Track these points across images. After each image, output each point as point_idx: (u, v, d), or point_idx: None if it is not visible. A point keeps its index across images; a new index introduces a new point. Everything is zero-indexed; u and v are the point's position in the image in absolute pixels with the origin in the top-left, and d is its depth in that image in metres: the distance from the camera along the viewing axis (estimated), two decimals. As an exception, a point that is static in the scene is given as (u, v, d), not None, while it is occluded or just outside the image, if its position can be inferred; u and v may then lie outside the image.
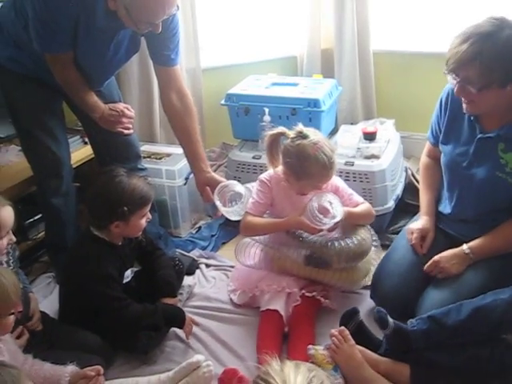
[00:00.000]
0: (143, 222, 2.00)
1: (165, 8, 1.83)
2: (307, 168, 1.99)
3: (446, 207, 2.06)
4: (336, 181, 2.17)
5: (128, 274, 2.06)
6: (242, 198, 2.17)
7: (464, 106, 1.83)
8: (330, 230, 2.05)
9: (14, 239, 1.79)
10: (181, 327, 1.98)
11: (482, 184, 1.89)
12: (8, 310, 1.53)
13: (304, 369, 1.10)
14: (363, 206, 2.15)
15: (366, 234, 2.11)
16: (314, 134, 2.02)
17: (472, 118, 1.89)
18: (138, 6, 1.80)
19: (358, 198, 2.18)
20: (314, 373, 1.09)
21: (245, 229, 2.15)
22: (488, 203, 1.91)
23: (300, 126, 2.05)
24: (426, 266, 1.95)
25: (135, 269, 2.12)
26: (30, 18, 1.88)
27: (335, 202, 2.01)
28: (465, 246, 1.93)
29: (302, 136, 2.01)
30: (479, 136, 1.87)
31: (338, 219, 1.97)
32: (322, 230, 2.02)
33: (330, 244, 2.02)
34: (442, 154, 2.04)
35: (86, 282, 1.89)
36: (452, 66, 1.73)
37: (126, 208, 1.92)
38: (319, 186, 2.06)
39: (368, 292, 2.14)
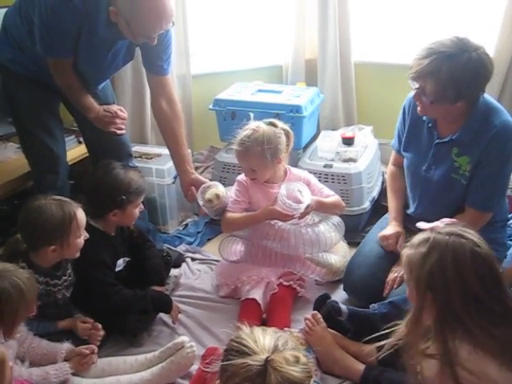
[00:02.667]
0: (137, 211, 2.19)
1: (162, 24, 2.01)
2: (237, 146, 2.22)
3: (410, 207, 2.25)
4: (308, 176, 2.37)
5: (120, 263, 2.21)
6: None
7: (418, 108, 2.02)
8: (301, 216, 2.21)
9: (88, 235, 1.95)
10: (168, 312, 2.14)
11: (439, 185, 2.08)
12: (24, 316, 1.65)
13: (270, 331, 1.28)
14: (332, 198, 2.34)
15: (326, 228, 2.28)
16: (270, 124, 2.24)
17: (430, 124, 2.08)
18: (138, 21, 1.97)
19: (328, 191, 2.36)
20: (280, 333, 1.27)
21: (225, 225, 2.32)
22: (445, 203, 2.09)
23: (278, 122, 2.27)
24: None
25: (127, 259, 2.27)
26: (36, 23, 2.03)
27: (304, 189, 2.19)
28: None
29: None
30: (436, 141, 2.06)
31: (305, 204, 2.14)
32: (293, 217, 2.18)
33: (297, 231, 2.21)
34: (405, 159, 2.23)
35: (82, 268, 2.04)
36: (413, 75, 1.93)
37: (124, 197, 2.10)
38: (255, 168, 2.23)
39: (341, 285, 2.32)
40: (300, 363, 1.20)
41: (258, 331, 1.27)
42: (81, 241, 1.93)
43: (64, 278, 1.98)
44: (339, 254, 2.43)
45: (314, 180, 2.38)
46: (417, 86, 1.94)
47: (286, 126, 2.30)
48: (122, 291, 2.07)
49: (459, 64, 1.83)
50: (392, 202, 2.31)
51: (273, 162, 2.23)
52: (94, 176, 2.20)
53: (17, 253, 1.87)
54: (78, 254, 1.95)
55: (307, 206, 2.16)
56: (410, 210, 2.24)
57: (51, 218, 1.85)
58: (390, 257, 2.17)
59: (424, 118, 2.09)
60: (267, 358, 1.18)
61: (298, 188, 2.19)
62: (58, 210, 1.86)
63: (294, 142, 2.37)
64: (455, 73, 1.84)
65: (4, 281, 1.57)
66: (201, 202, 2.32)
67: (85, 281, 2.04)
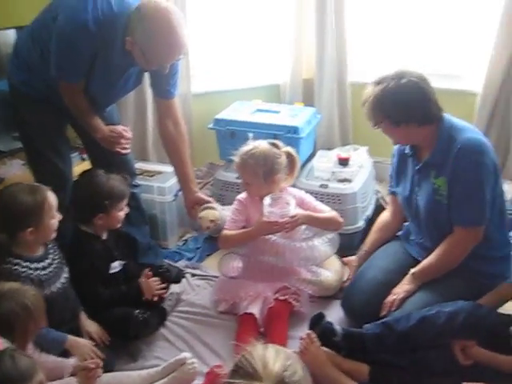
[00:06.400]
0: (122, 214, 2.33)
1: (175, 55, 2.14)
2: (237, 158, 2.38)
3: (413, 237, 2.37)
4: (303, 195, 2.48)
5: (116, 266, 2.33)
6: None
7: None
8: (291, 228, 2.31)
9: (61, 217, 2.07)
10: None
11: (427, 209, 2.19)
12: (35, 331, 1.73)
13: (283, 356, 1.29)
14: (327, 213, 2.43)
15: (320, 242, 2.38)
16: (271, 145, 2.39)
17: (411, 153, 2.22)
18: (153, 52, 2.09)
19: (323, 206, 2.47)
20: (291, 361, 1.28)
21: (221, 241, 2.44)
22: (437, 226, 2.19)
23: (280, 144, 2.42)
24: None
25: (123, 262, 2.38)
26: (52, 48, 2.12)
27: (291, 202, 2.31)
28: (411, 270, 2.23)
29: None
30: (417, 167, 2.20)
31: (290, 208, 2.27)
32: (283, 226, 2.27)
33: (292, 245, 2.32)
34: (399, 196, 2.36)
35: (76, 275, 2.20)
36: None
37: (106, 202, 2.24)
38: (249, 182, 2.38)
39: (336, 301, 2.43)
40: None
41: (271, 353, 1.28)
42: (55, 222, 2.04)
43: (52, 266, 2.08)
44: (332, 270, 2.53)
45: (308, 198, 2.49)
46: None
47: (292, 151, 2.43)
48: (102, 295, 2.24)
49: (385, 89, 2.06)
50: (370, 238, 2.51)
51: (266, 181, 2.34)
52: (78, 183, 2.36)
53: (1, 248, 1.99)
54: (53, 236, 2.07)
55: (294, 216, 2.27)
56: (414, 240, 2.36)
57: (24, 202, 1.96)
58: (394, 284, 2.24)
59: (406, 151, 2.24)
60: None
61: (280, 196, 2.33)
62: (29, 194, 1.98)
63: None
64: (379, 97, 2.07)
65: (11, 302, 1.65)
66: (198, 222, 2.45)
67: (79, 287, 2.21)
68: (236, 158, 2.39)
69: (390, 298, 2.18)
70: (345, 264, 2.59)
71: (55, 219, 2.05)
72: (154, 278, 2.35)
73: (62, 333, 2.03)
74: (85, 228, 2.29)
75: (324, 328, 2.03)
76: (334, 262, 2.61)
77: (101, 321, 2.20)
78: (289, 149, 2.44)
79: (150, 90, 2.70)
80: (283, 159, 2.38)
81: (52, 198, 2.04)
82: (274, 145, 2.38)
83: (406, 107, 2.06)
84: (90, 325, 2.18)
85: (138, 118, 3.29)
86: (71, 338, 2.04)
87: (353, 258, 2.54)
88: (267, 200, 2.29)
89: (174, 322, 2.40)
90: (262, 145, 2.37)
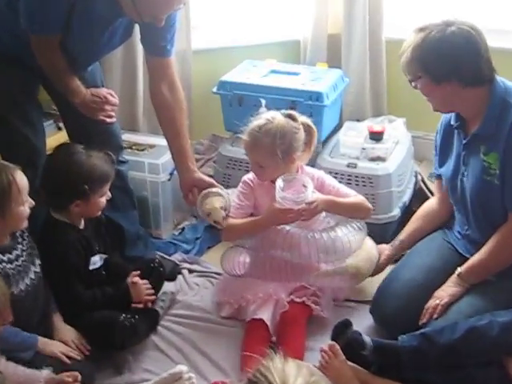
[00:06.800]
0: (103, 200, 2.29)
1: (174, 4, 2.09)
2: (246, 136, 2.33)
3: (459, 228, 2.35)
4: (323, 176, 2.46)
5: (96, 261, 2.32)
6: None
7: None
8: (308, 217, 2.29)
9: (33, 203, 2.02)
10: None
11: (474, 193, 2.15)
12: None
13: (306, 372, 1.28)
14: (353, 198, 2.41)
15: (344, 232, 2.34)
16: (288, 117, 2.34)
17: (457, 124, 2.19)
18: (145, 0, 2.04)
19: (347, 190, 2.45)
20: (315, 378, 1.27)
21: (225, 232, 2.42)
22: (486, 216, 2.16)
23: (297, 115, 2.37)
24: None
25: (104, 256, 2.37)
26: None
27: (309, 184, 2.27)
28: (458, 269, 2.19)
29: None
30: (464, 142, 2.17)
31: (307, 194, 2.24)
32: (299, 215, 2.25)
33: (309, 236, 2.29)
34: (443, 179, 2.33)
35: (49, 270, 2.18)
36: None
37: (86, 186, 2.19)
38: (263, 165, 2.33)
39: (364, 306, 2.42)
40: None
41: (292, 368, 1.27)
42: (25, 209, 1.99)
43: (21, 258, 2.05)
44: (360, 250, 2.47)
45: (329, 180, 2.46)
46: None
47: (309, 121, 2.40)
48: (82, 296, 2.22)
49: (426, 40, 2.04)
50: (410, 224, 2.50)
51: (284, 160, 2.30)
52: (52, 161, 2.31)
53: None
54: (24, 225, 2.03)
55: (312, 202, 2.24)
56: (462, 232, 2.33)
57: None
58: (436, 286, 2.21)
59: (452, 122, 2.20)
60: None
61: (295, 177, 2.30)
62: None
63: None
64: (419, 48, 2.05)
65: None
66: (200, 213, 2.41)
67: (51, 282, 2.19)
68: (245, 136, 2.34)
69: (432, 302, 2.15)
70: None
71: (26, 206, 1.99)
72: (143, 281, 2.34)
73: (30, 334, 2.02)
74: (57, 216, 2.26)
75: (350, 339, 2.02)
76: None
77: (78, 326, 2.19)
78: (306, 119, 2.40)
79: (141, 46, 2.66)
80: (301, 134, 2.35)
81: (22, 179, 1.97)
82: (290, 116, 2.34)
83: (450, 61, 2.02)
84: (65, 331, 2.16)
85: (126, 79, 3.26)
86: (41, 338, 2.04)
87: (385, 245, 2.53)
88: (280, 182, 2.26)
89: (168, 328, 2.38)
90: (278, 118, 2.32)
